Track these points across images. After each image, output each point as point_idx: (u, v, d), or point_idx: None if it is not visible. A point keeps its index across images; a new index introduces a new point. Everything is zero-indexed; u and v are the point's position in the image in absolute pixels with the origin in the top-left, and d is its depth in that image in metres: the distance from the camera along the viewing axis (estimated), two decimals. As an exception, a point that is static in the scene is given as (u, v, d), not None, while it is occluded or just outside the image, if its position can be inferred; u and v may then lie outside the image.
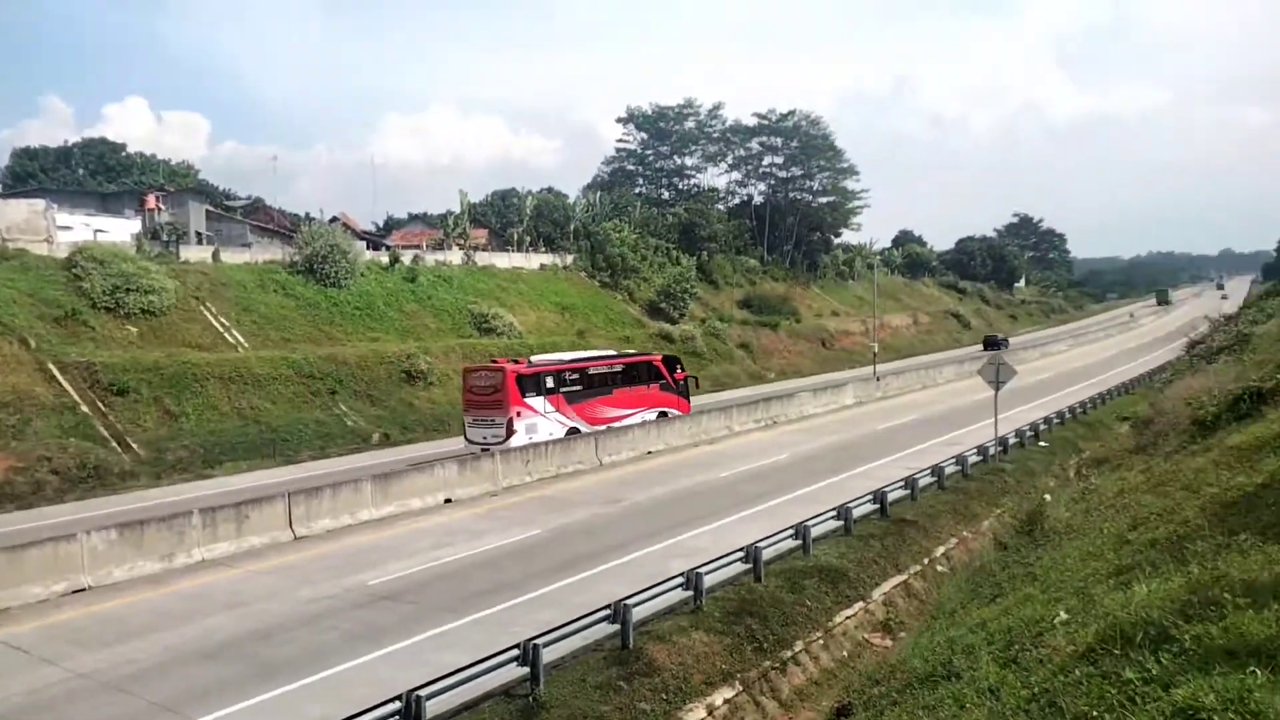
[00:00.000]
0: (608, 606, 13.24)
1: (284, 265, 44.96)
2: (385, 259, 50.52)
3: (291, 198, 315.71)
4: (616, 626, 13.11)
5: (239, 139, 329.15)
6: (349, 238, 48.33)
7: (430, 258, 53.49)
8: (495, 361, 31.98)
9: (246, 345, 38.05)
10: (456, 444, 30.76)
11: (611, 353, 37.26)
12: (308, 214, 62.72)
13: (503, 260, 58.94)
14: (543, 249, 64.18)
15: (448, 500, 23.56)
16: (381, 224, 78.20)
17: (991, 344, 75.51)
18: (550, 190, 77.56)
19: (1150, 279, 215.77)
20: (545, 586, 16.12)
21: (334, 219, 60.09)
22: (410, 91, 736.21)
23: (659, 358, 36.15)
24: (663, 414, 33.70)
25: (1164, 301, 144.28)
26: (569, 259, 63.04)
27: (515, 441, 27.57)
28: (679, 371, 35.84)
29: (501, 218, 68.84)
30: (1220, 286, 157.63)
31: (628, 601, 13.38)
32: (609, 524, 21.20)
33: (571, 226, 66.41)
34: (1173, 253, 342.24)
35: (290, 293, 43.46)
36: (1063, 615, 6.77)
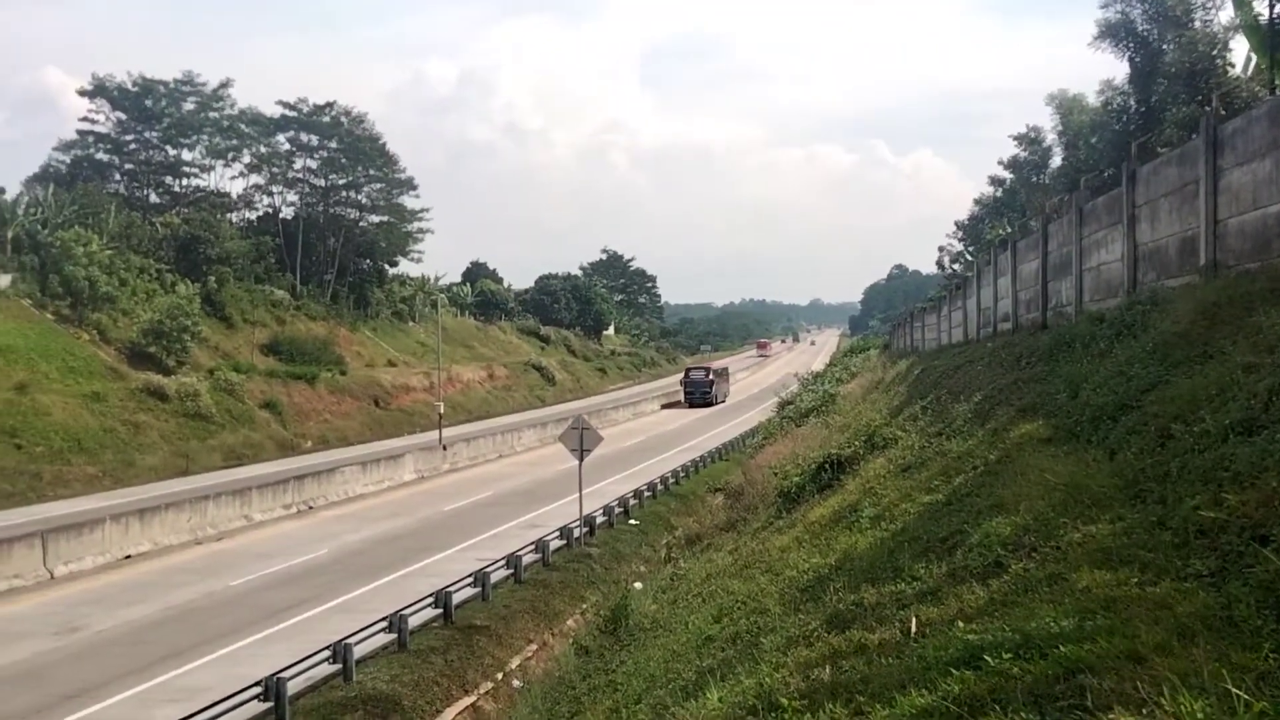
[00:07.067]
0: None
1: None
2: None
3: None
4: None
5: None
6: None
7: None
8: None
9: None
10: None
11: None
12: None
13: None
14: (-42, 265, 56.37)
15: None
16: None
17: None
18: (-25, 179, 68.44)
19: (744, 329, 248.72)
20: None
21: None
22: None
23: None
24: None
25: (797, 339, 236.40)
26: (5, 280, 56.03)
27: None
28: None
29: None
30: (796, 340, 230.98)
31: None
32: (60, 665, 19.30)
33: (10, 234, 59.17)
34: (765, 301, 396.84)
35: None
36: (637, 733, 7.54)
